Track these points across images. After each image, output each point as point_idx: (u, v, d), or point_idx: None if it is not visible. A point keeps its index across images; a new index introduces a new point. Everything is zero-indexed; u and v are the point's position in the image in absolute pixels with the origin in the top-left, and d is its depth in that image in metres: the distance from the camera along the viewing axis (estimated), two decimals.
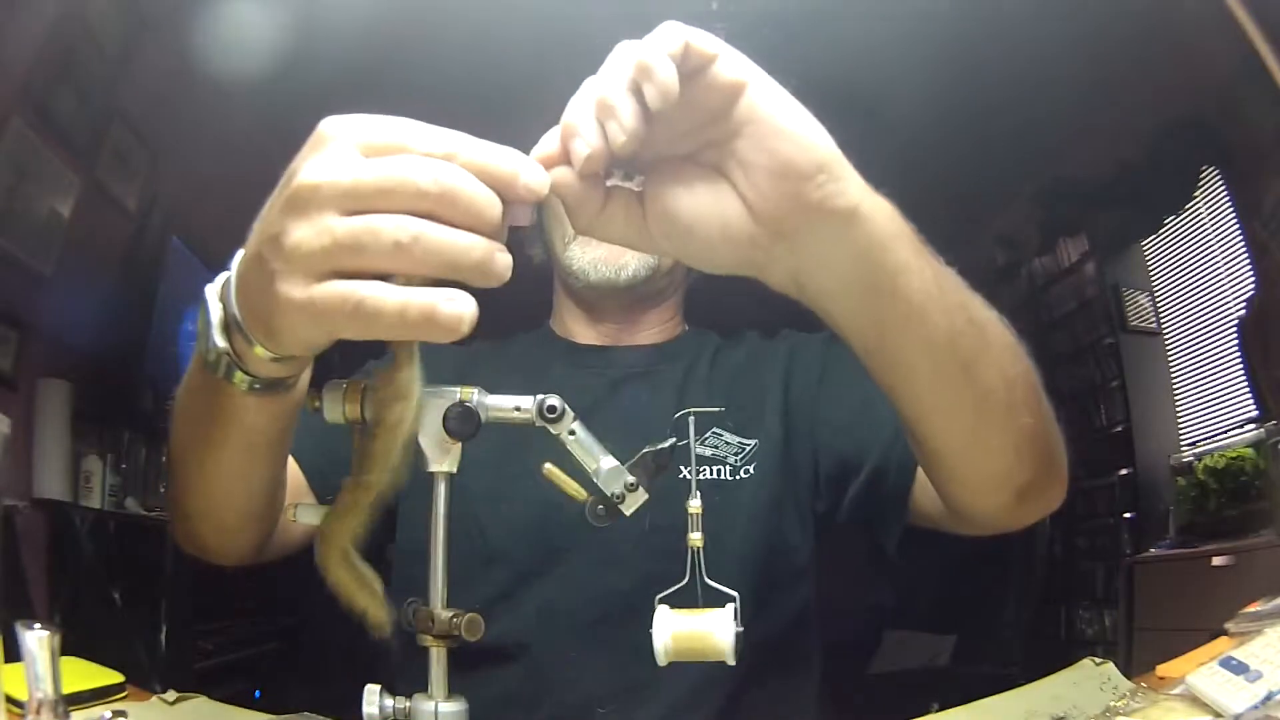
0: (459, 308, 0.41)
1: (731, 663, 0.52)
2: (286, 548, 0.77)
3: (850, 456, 0.83)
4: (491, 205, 0.42)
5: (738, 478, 0.85)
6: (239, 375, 0.50)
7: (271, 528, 0.73)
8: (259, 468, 0.62)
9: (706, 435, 0.86)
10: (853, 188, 0.51)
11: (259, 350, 0.48)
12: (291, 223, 0.43)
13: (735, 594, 0.53)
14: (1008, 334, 0.62)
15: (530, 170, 0.44)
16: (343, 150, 0.43)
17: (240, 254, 0.48)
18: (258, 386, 0.50)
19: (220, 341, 0.49)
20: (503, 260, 0.42)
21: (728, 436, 0.87)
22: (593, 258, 0.89)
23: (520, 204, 0.44)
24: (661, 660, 0.53)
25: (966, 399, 0.60)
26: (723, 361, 0.94)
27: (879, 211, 0.53)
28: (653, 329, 0.95)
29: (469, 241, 0.42)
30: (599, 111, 0.45)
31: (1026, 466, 0.66)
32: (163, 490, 0.73)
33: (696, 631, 0.52)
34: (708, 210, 0.49)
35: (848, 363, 0.65)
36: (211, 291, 0.50)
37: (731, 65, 0.47)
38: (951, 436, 0.63)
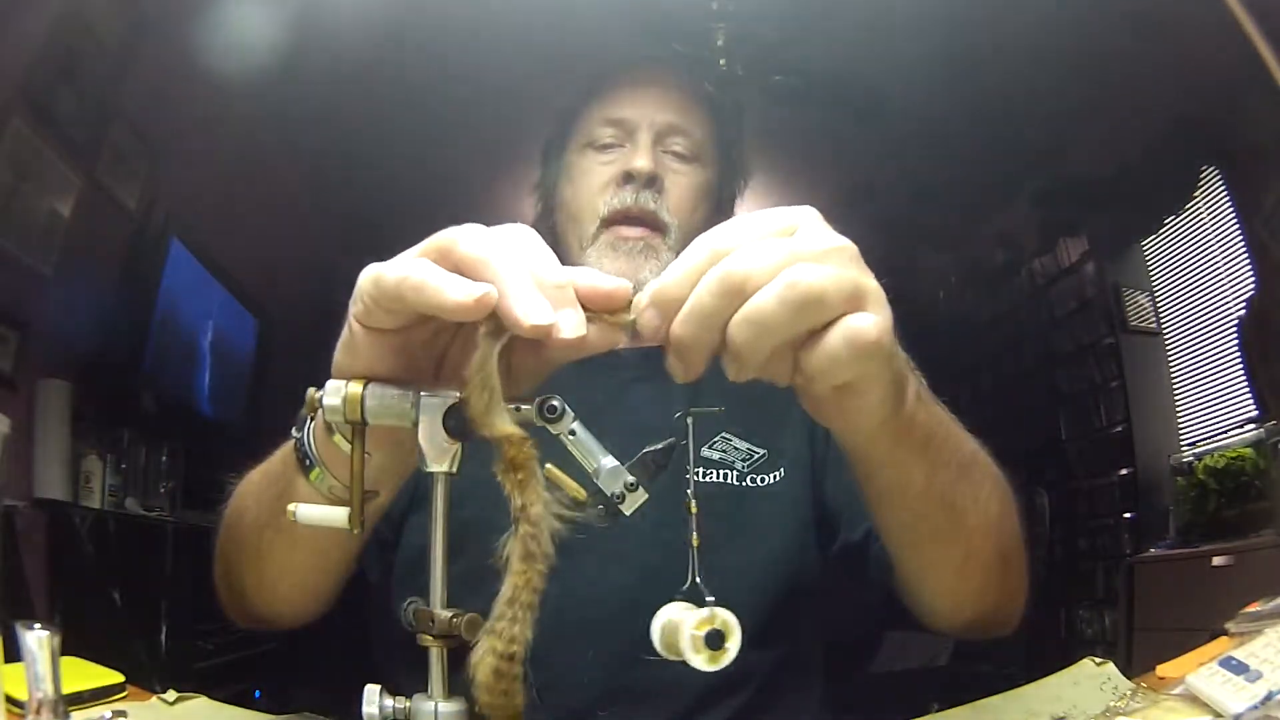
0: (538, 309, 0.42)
1: (699, 667, 0.52)
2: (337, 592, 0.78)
3: (846, 515, 0.84)
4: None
5: (744, 484, 0.85)
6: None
7: (330, 599, 0.75)
8: (338, 555, 0.63)
9: (715, 439, 0.86)
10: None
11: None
12: (363, 290, 0.46)
13: (711, 597, 0.53)
14: (997, 481, 0.65)
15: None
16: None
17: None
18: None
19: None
20: (571, 320, 0.43)
21: (736, 442, 0.86)
22: (611, 269, 0.88)
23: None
24: (659, 651, 0.52)
25: (953, 549, 0.64)
26: None
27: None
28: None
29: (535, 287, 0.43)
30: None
31: (990, 601, 0.70)
32: (217, 570, 0.76)
33: (671, 623, 0.52)
34: None
35: None
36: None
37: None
38: (931, 579, 0.68)
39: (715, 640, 0.49)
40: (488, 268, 0.43)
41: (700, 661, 0.49)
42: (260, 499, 0.63)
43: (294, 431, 0.53)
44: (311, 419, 0.53)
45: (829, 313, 0.43)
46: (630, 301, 0.46)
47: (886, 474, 0.58)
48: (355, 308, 0.47)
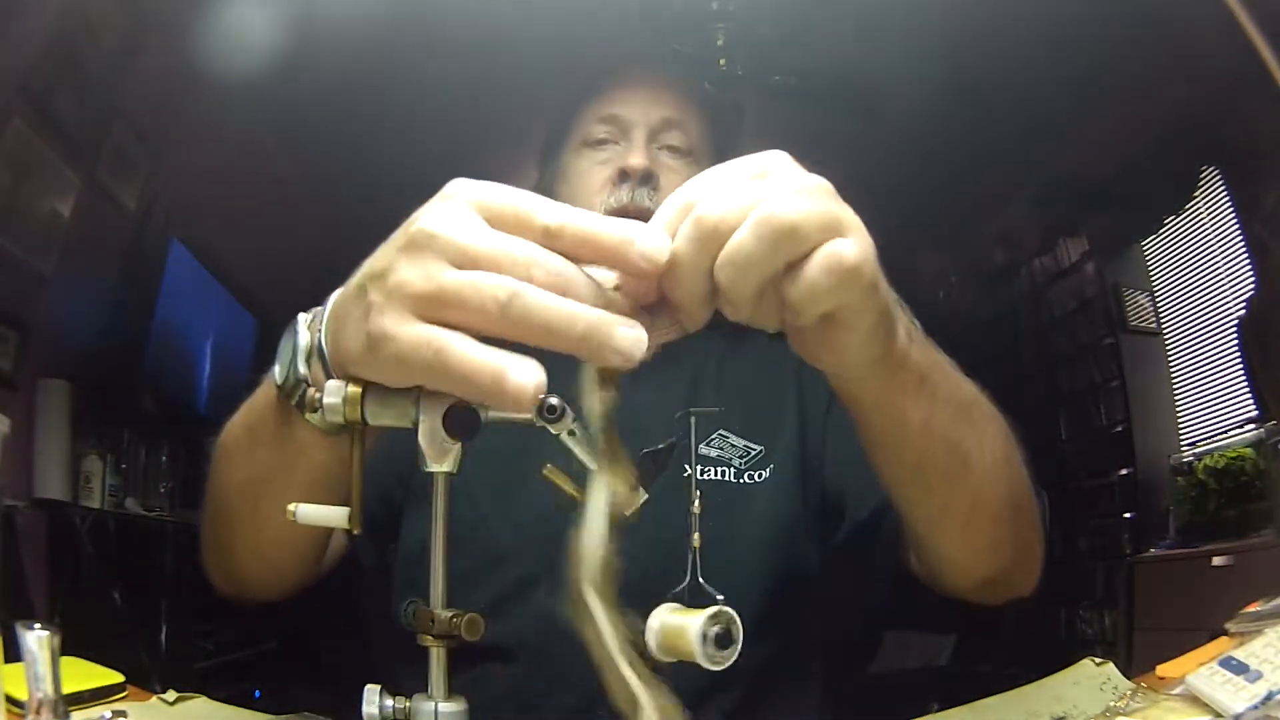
0: (524, 379, 0.41)
1: (707, 666, 0.52)
2: (322, 574, 0.78)
3: (851, 493, 0.83)
4: (585, 288, 0.43)
5: (741, 481, 0.85)
6: (312, 409, 0.50)
7: (318, 565, 0.74)
8: (337, 498, 0.62)
9: (712, 436, 0.86)
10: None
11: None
12: (402, 262, 0.43)
13: (720, 596, 0.53)
14: (999, 424, 0.65)
15: (645, 237, 0.43)
16: (463, 209, 0.44)
17: (340, 290, 0.50)
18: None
19: (303, 368, 0.50)
20: (627, 336, 0.41)
21: (733, 439, 0.87)
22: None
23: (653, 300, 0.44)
24: (657, 656, 0.52)
25: (960, 493, 0.63)
26: (732, 364, 0.94)
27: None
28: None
29: (572, 310, 0.41)
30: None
31: (1004, 555, 0.69)
32: (203, 529, 0.74)
33: (675, 626, 0.52)
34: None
35: None
36: (302, 320, 0.51)
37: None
38: (942, 528, 0.67)
39: (724, 640, 0.49)
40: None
41: (709, 660, 0.49)
42: (250, 452, 0.61)
43: (284, 376, 0.52)
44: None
45: (806, 243, 0.43)
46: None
47: (884, 414, 0.58)
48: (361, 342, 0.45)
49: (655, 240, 0.43)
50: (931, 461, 0.61)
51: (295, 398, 0.51)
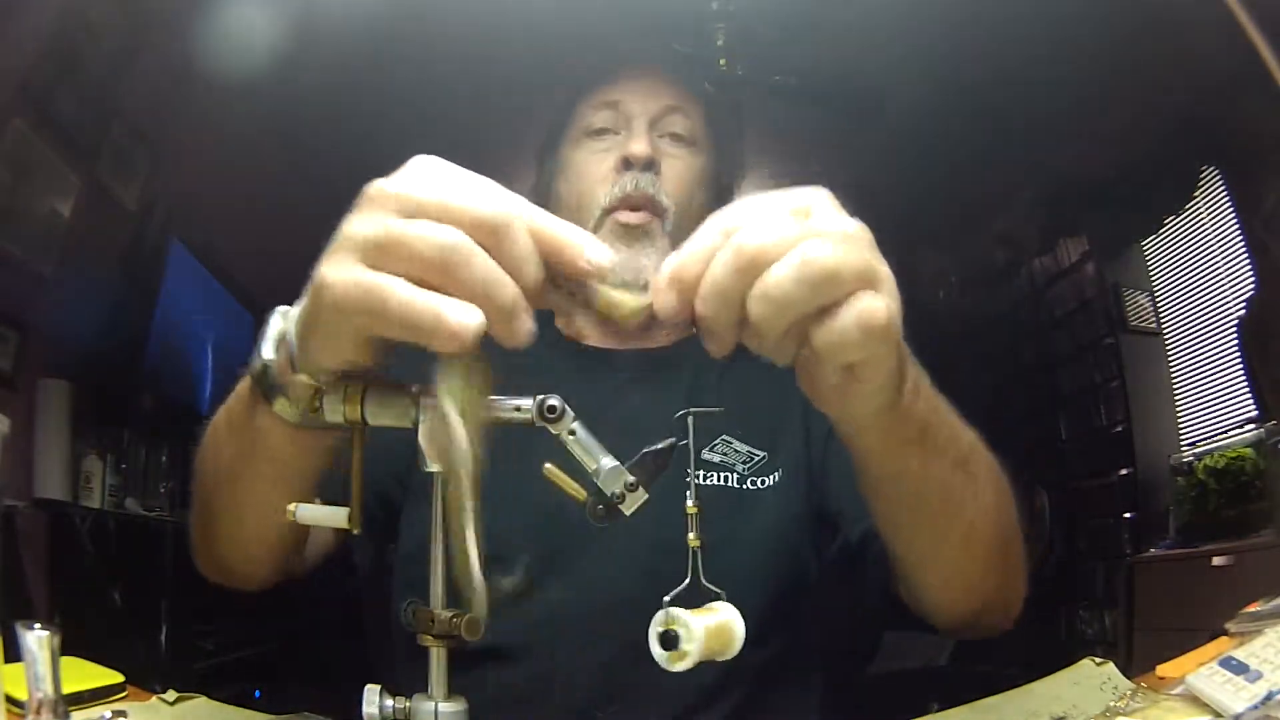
0: (463, 318, 0.41)
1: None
2: (306, 568, 0.78)
3: (847, 512, 0.83)
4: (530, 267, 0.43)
5: (744, 487, 0.85)
6: (279, 400, 0.51)
7: (295, 556, 0.74)
8: (304, 488, 0.63)
9: (716, 442, 0.85)
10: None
11: (300, 377, 0.49)
12: (355, 217, 0.44)
13: (722, 591, 0.53)
14: (994, 475, 0.65)
15: (596, 246, 0.44)
16: (423, 172, 0.46)
17: None
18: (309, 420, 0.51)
19: (269, 353, 0.50)
20: (525, 324, 0.43)
21: (737, 444, 0.86)
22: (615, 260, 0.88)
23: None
24: (690, 663, 0.52)
25: (951, 538, 0.64)
26: (735, 368, 0.94)
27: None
28: (662, 331, 0.95)
29: (506, 280, 0.42)
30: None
31: (987, 595, 0.70)
32: (190, 518, 0.74)
33: (721, 624, 0.52)
34: None
35: None
36: (281, 310, 0.52)
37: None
38: (926, 568, 0.68)
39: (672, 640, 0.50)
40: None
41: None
42: (226, 440, 0.62)
43: (254, 361, 0.52)
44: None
45: (842, 290, 0.43)
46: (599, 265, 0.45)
47: (882, 461, 0.58)
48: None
49: (602, 251, 0.44)
50: (923, 507, 0.62)
51: (261, 384, 0.51)
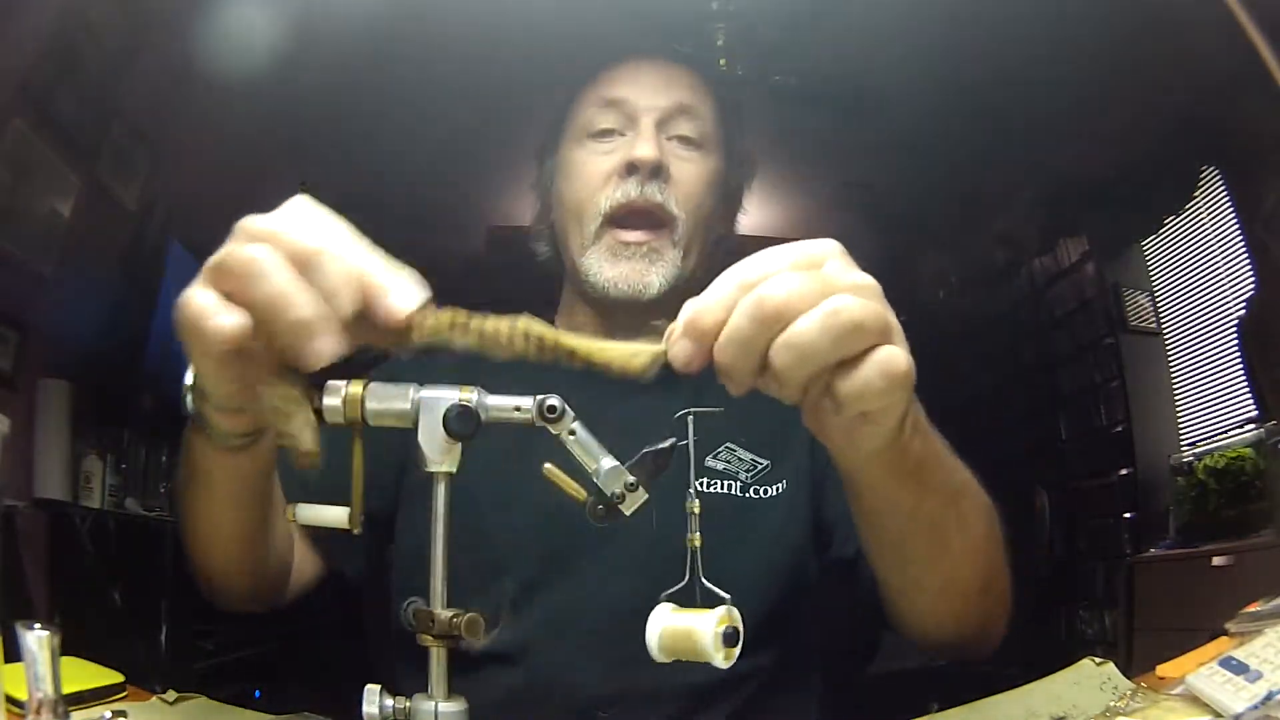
0: (226, 320, 0.44)
1: (719, 665, 0.52)
2: (286, 599, 0.78)
3: (840, 529, 0.84)
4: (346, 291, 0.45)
5: (747, 495, 0.84)
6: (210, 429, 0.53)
7: (276, 575, 0.75)
8: (243, 516, 0.65)
9: (719, 449, 0.84)
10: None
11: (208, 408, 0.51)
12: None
13: (728, 596, 0.53)
14: (985, 511, 0.67)
15: (400, 293, 0.46)
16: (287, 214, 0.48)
17: None
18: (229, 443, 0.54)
19: (188, 378, 0.52)
20: (324, 345, 0.44)
21: (740, 452, 0.85)
22: (614, 275, 0.86)
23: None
24: (657, 657, 0.52)
25: (936, 571, 0.66)
26: None
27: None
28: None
29: (305, 299, 0.43)
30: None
31: (970, 625, 0.71)
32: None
33: (682, 629, 0.52)
34: None
35: None
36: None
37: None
38: (910, 597, 0.70)
39: (733, 638, 0.50)
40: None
41: (721, 659, 0.49)
42: (183, 458, 0.63)
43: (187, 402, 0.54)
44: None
45: (864, 343, 0.45)
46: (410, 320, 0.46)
47: (876, 493, 0.60)
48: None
49: (405, 300, 0.46)
50: (912, 541, 0.64)
51: (186, 407, 0.53)
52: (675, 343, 0.48)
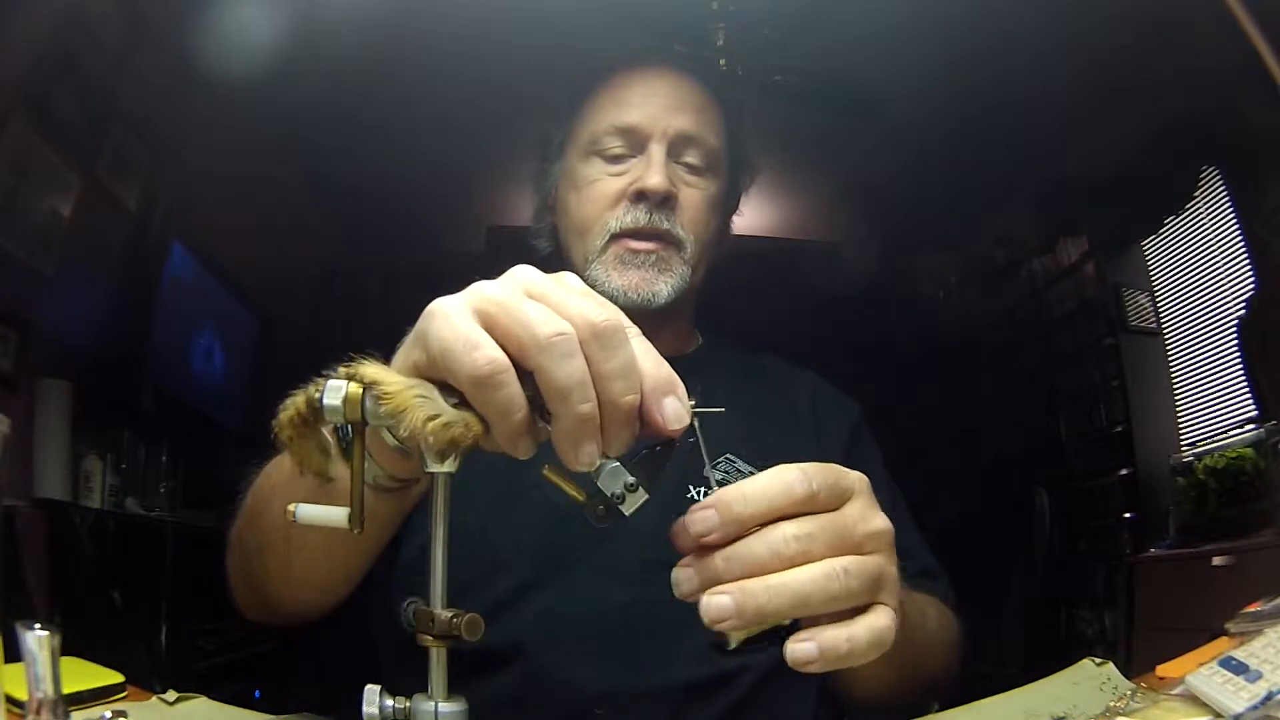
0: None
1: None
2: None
3: None
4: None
5: None
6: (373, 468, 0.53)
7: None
8: (368, 550, 0.66)
9: (719, 460, 0.85)
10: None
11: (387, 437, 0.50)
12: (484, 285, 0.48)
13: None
14: (946, 621, 0.76)
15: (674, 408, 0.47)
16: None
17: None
18: (386, 483, 0.55)
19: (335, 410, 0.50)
20: (591, 453, 0.45)
21: (740, 464, 0.86)
22: (623, 283, 0.88)
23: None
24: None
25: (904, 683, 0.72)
26: (745, 385, 0.94)
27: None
28: (669, 340, 0.94)
29: (519, 406, 0.44)
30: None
31: (911, 700, 0.76)
32: (230, 563, 0.77)
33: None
34: None
35: (874, 468, 0.74)
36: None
37: None
38: (868, 691, 0.75)
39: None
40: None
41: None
42: (290, 488, 0.62)
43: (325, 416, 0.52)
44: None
45: (855, 602, 0.48)
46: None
47: (855, 675, 0.69)
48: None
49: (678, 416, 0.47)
50: (886, 679, 0.70)
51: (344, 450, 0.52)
52: (680, 584, 0.50)
